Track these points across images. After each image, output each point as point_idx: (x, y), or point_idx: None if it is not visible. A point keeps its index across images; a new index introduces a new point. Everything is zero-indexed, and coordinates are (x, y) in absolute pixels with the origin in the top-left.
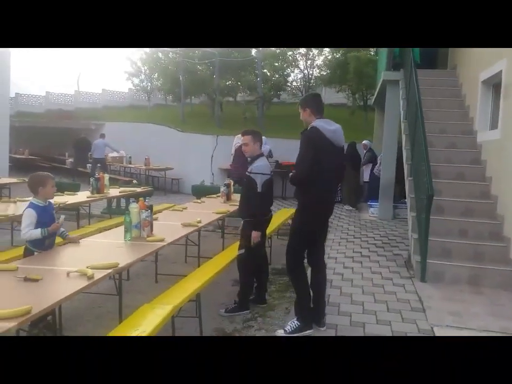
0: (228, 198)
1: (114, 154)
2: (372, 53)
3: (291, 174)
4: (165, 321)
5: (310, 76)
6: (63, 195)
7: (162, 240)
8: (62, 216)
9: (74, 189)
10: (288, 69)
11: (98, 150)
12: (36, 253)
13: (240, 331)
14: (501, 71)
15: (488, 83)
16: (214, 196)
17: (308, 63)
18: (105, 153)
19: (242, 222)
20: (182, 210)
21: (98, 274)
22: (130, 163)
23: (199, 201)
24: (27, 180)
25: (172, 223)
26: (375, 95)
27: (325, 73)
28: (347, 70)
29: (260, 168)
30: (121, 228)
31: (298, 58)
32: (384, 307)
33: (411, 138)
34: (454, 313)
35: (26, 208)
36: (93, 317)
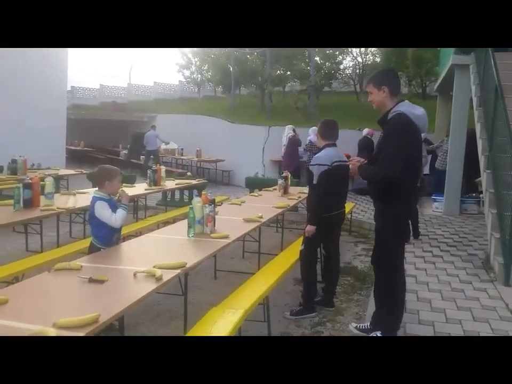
0: (285, 191)
1: (167, 146)
2: None
3: (361, 166)
4: (237, 327)
5: (363, 63)
6: (121, 187)
7: (226, 237)
8: (122, 189)
9: (131, 180)
10: (340, 56)
11: (151, 142)
12: (101, 250)
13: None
14: None
15: None
16: (270, 188)
17: (361, 50)
18: (157, 145)
19: None
20: (240, 204)
21: (167, 275)
22: (182, 155)
23: (256, 194)
24: (94, 171)
25: (233, 218)
26: (439, 81)
27: (379, 60)
28: (404, 56)
29: (318, 159)
30: (182, 222)
31: None
32: (468, 315)
33: (488, 127)
34: None
35: (96, 202)
36: (153, 315)
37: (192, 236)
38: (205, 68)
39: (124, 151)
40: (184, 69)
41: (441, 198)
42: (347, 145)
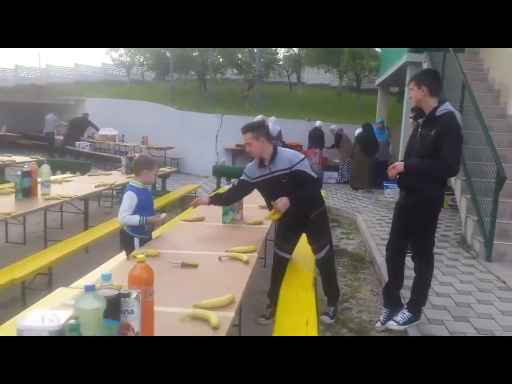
0: None
1: (105, 132)
2: None
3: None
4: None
5: (299, 54)
6: (99, 175)
7: (261, 223)
8: (164, 214)
9: (87, 168)
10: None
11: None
12: (135, 239)
13: (341, 312)
14: None
15: None
16: None
17: None
18: (93, 132)
19: None
20: None
21: (251, 259)
22: (123, 141)
23: None
24: (136, 159)
25: (248, 205)
26: (384, 77)
27: (310, 52)
28: (338, 50)
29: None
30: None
31: None
32: (473, 287)
33: None
34: None
35: (128, 190)
36: None
37: (227, 222)
38: (132, 51)
39: (60, 137)
40: (112, 51)
41: (393, 184)
42: (297, 134)
